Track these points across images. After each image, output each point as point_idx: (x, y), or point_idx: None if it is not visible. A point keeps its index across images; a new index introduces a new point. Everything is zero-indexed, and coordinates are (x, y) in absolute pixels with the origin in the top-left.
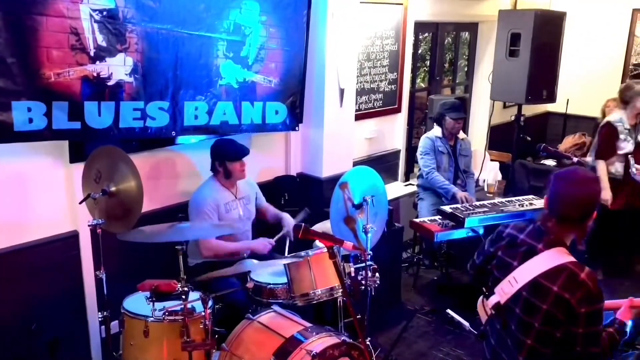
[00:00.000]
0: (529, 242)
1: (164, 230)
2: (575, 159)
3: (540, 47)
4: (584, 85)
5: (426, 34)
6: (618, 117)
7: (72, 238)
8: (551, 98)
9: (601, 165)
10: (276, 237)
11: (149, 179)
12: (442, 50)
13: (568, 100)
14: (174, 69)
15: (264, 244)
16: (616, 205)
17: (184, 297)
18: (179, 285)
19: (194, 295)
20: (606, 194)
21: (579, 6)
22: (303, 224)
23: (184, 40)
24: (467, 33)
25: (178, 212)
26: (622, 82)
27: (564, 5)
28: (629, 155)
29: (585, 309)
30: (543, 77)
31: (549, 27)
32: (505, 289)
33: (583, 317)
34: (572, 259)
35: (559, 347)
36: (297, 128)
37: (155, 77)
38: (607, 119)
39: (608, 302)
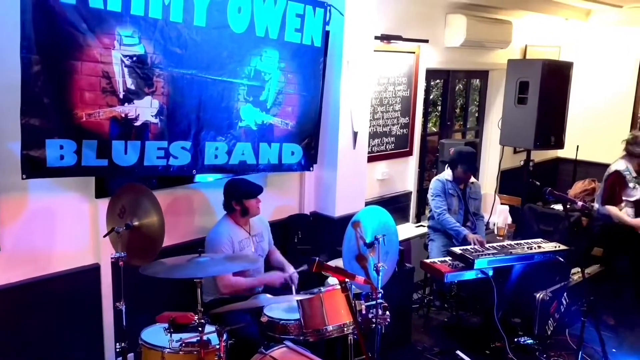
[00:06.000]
0: None
1: (184, 263)
2: (580, 204)
3: (548, 95)
4: (594, 133)
5: (438, 81)
6: (624, 166)
7: (93, 270)
8: (559, 144)
9: (612, 209)
10: (291, 272)
11: (167, 215)
12: (453, 96)
13: (578, 146)
14: (197, 111)
15: (278, 276)
16: None
17: (200, 329)
18: (196, 317)
19: (210, 328)
20: (634, 222)
21: (587, 56)
22: (317, 258)
23: (208, 85)
24: (477, 80)
25: (195, 248)
26: (631, 130)
27: (573, 56)
28: None
29: None
30: (551, 124)
31: (557, 76)
32: None
33: None
34: None
35: None
36: (311, 168)
37: (179, 118)
38: (614, 167)
39: None
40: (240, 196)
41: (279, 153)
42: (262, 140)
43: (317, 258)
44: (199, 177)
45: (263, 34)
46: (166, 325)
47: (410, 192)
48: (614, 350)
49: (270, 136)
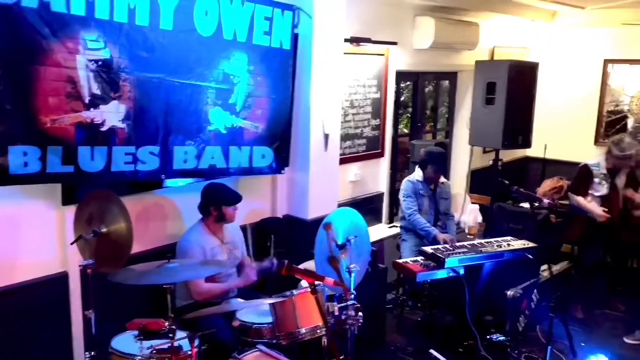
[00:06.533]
0: None
1: (153, 270)
2: (546, 201)
3: (515, 95)
4: (562, 132)
5: (408, 82)
6: (596, 161)
7: (61, 279)
8: (526, 144)
9: (578, 198)
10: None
11: (138, 221)
12: (423, 97)
13: (546, 145)
14: (165, 115)
15: (248, 275)
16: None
17: (171, 335)
18: (167, 323)
19: (181, 333)
20: (597, 211)
21: (554, 57)
22: (286, 261)
23: (175, 88)
24: (447, 82)
25: (166, 254)
26: (597, 130)
27: (540, 56)
28: None
29: None
30: (518, 123)
31: (523, 77)
32: None
33: None
34: None
35: None
36: (283, 171)
37: (146, 123)
38: (585, 161)
39: None
40: (219, 202)
41: (250, 156)
42: (232, 144)
43: (287, 261)
44: (169, 182)
45: (231, 37)
46: (136, 332)
47: (383, 193)
48: (582, 344)
49: (240, 139)
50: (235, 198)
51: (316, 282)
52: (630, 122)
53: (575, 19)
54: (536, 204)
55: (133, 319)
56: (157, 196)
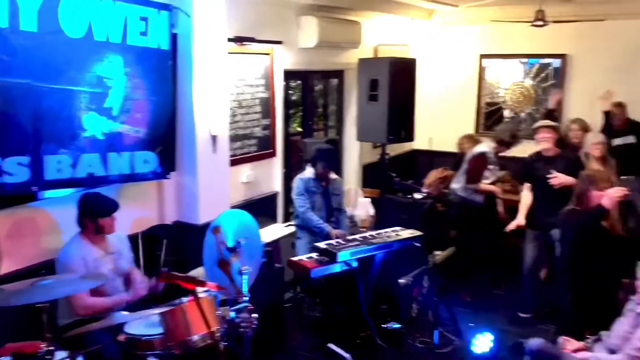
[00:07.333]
0: None
1: (27, 288)
2: (425, 191)
3: (396, 91)
4: (444, 125)
5: (298, 81)
6: (488, 149)
7: None
8: (409, 137)
9: (482, 186)
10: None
11: (9, 238)
12: (312, 96)
13: (430, 138)
14: (34, 123)
15: (138, 288)
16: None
17: (49, 357)
18: (44, 345)
19: (61, 354)
20: (498, 190)
21: (434, 54)
22: (166, 269)
23: (44, 94)
24: (335, 80)
25: (48, 270)
26: (477, 121)
27: (421, 53)
28: None
29: None
30: (401, 118)
31: (403, 73)
32: None
33: None
34: None
35: None
36: (169, 176)
37: (13, 131)
38: (479, 149)
39: None
40: (93, 214)
41: (131, 162)
42: (111, 150)
43: (166, 269)
44: (47, 194)
45: (104, 39)
46: (9, 358)
47: (277, 193)
48: (471, 325)
49: (119, 145)
50: (109, 207)
51: (199, 288)
52: (506, 113)
53: (450, 17)
54: (421, 195)
55: (5, 344)
56: (32, 209)
